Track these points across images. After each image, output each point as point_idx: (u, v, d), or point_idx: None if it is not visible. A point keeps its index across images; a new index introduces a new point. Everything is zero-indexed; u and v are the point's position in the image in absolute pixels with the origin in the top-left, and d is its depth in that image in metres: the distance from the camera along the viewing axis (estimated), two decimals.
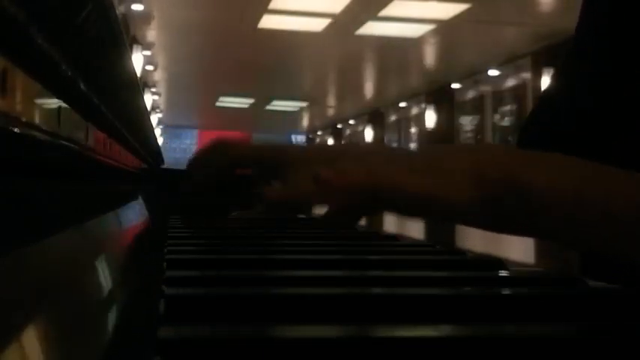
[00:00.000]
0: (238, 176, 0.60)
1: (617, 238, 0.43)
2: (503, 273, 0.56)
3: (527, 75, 8.00)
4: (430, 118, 10.39)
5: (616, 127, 0.64)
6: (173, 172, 1.97)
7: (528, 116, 0.77)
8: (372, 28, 7.16)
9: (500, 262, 0.59)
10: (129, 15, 6.50)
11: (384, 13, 6.60)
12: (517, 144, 0.70)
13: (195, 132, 18.11)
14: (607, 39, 0.68)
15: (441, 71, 9.31)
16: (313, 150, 0.56)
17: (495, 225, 0.46)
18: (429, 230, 9.41)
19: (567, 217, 0.44)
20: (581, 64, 0.73)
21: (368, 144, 0.61)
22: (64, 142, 0.48)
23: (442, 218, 0.47)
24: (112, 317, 0.30)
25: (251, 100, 12.88)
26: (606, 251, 0.44)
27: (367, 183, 0.46)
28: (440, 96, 10.14)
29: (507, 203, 0.45)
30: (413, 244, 0.86)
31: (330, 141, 15.04)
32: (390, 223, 10.49)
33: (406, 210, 0.47)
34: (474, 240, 7.78)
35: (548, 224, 0.44)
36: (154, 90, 10.89)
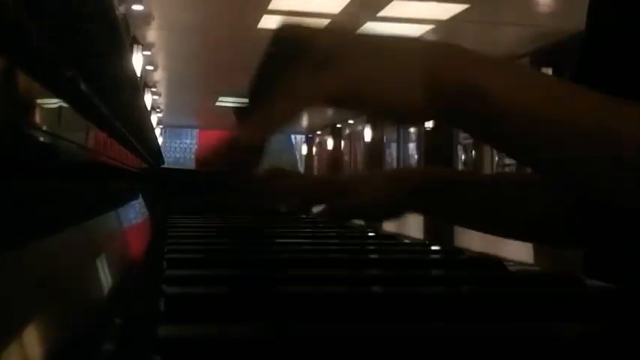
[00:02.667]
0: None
1: (570, 162, 0.43)
2: (502, 273, 0.56)
3: None
4: None
5: None
6: (173, 172, 1.97)
7: None
8: (371, 29, 7.15)
9: (499, 262, 0.59)
10: (129, 15, 6.50)
11: (383, 13, 6.60)
12: None
13: (195, 132, 18.10)
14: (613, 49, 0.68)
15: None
16: None
17: (448, 119, 0.46)
18: (428, 229, 9.40)
19: (520, 132, 0.44)
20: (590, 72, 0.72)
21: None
22: (64, 142, 0.48)
23: (396, 119, 0.47)
24: (111, 317, 0.30)
25: None
26: (548, 170, 0.45)
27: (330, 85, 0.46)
28: None
29: (460, 107, 0.45)
30: (412, 244, 0.86)
31: (330, 141, 15.03)
32: (390, 222, 10.46)
33: (360, 108, 0.47)
34: (474, 240, 7.76)
35: (499, 132, 0.44)
36: (154, 90, 10.88)
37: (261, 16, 6.92)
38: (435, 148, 9.57)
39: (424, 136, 10.32)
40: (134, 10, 6.46)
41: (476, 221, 0.69)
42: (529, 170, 0.52)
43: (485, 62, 0.48)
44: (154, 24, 7.32)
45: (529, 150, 0.45)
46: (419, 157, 10.74)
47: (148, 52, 8.18)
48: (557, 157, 0.44)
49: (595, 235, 0.60)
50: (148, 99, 9.41)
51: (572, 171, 0.44)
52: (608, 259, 0.65)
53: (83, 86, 0.52)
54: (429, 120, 0.48)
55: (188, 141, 18.11)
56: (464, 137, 9.48)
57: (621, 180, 0.43)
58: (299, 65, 0.48)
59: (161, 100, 13.02)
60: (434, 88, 0.45)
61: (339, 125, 14.87)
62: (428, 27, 7.05)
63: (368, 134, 12.58)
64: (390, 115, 0.48)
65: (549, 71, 7.32)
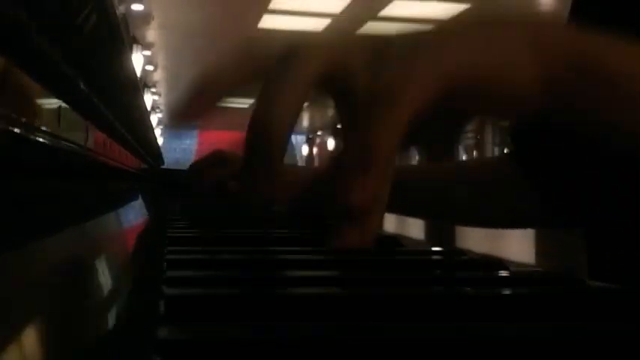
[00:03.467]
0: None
1: None
2: (502, 273, 0.56)
3: None
4: None
5: None
6: (173, 173, 1.97)
7: None
8: (371, 29, 7.16)
9: (499, 262, 0.59)
10: (129, 15, 6.50)
11: (384, 13, 6.60)
12: None
13: (196, 132, 18.10)
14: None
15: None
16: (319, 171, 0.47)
17: (552, 112, 0.39)
18: (429, 230, 9.40)
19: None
20: None
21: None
22: (64, 142, 0.48)
23: (501, 108, 0.40)
24: (111, 317, 0.30)
25: (251, 100, 12.88)
26: None
27: (431, 81, 0.36)
28: None
29: (576, 85, 0.39)
30: (412, 244, 0.86)
31: (331, 141, 15.04)
32: (390, 223, 10.48)
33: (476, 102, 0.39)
34: (475, 240, 7.78)
35: (622, 112, 0.38)
36: (153, 90, 10.89)
37: (261, 16, 6.92)
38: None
39: None
40: (134, 10, 6.46)
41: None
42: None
43: (595, 37, 0.40)
44: (154, 24, 7.32)
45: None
46: (420, 157, 10.74)
47: (148, 52, 8.19)
48: None
49: (601, 237, 0.59)
50: (148, 99, 9.41)
51: None
52: (614, 260, 0.65)
53: (83, 86, 0.52)
54: (536, 107, 0.40)
55: (188, 141, 18.12)
56: (464, 136, 9.47)
57: None
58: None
59: (161, 100, 13.02)
60: (549, 66, 0.39)
61: (339, 125, 14.84)
62: (428, 27, 7.06)
63: None
64: (504, 104, 0.39)
65: None
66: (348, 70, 0.40)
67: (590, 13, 0.69)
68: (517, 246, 6.88)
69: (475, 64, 0.39)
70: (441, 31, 0.41)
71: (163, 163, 2.42)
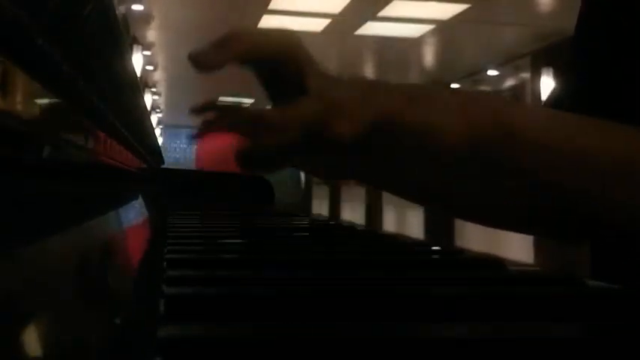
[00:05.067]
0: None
1: (602, 194, 0.44)
2: (502, 273, 0.56)
3: (526, 75, 8.00)
4: None
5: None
6: (173, 172, 1.97)
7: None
8: (371, 29, 7.16)
9: (499, 262, 0.59)
10: (129, 15, 6.50)
11: (383, 13, 6.60)
12: None
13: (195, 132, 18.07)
14: (606, 37, 0.68)
15: (440, 71, 9.31)
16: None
17: (480, 169, 0.46)
18: (428, 230, 9.40)
19: (553, 162, 0.44)
20: (580, 64, 0.72)
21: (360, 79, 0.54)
22: (64, 142, 0.48)
23: (431, 157, 0.46)
24: (112, 317, 0.30)
25: (251, 100, 12.88)
26: (580, 201, 0.45)
27: (368, 113, 0.45)
28: None
29: (494, 143, 0.45)
30: (412, 244, 0.86)
31: None
32: (390, 222, 10.48)
33: (399, 144, 0.46)
34: (474, 240, 7.77)
35: (533, 166, 0.45)
36: (154, 90, 10.89)
37: (261, 16, 6.92)
38: None
39: None
40: (134, 10, 6.46)
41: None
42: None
43: (516, 104, 0.48)
44: (154, 24, 7.32)
45: (553, 185, 0.45)
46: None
47: (148, 52, 8.19)
48: (581, 188, 0.45)
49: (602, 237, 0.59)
50: (148, 99, 9.41)
51: (593, 200, 0.45)
52: (617, 261, 0.65)
53: (83, 86, 0.52)
54: (460, 163, 0.47)
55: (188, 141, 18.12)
56: None
57: None
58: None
59: (161, 100, 13.03)
60: (471, 124, 0.45)
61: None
62: (428, 27, 7.05)
63: None
64: (429, 146, 0.46)
65: (549, 71, 7.32)
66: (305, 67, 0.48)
67: (595, 27, 0.70)
68: (517, 246, 6.88)
69: (409, 113, 0.46)
70: (393, 88, 0.48)
71: (163, 163, 2.42)
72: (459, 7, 6.34)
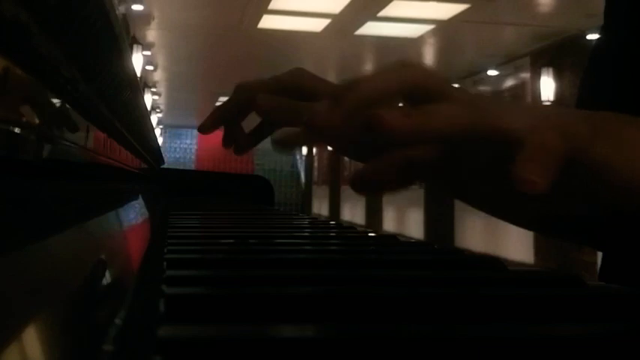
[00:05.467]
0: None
1: None
2: (502, 273, 0.56)
3: (526, 75, 8.01)
4: None
5: None
6: (173, 172, 1.97)
7: None
8: (371, 29, 7.16)
9: (499, 262, 0.59)
10: (129, 15, 6.50)
11: (383, 13, 6.60)
12: None
13: (196, 132, 18.08)
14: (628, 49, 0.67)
15: (440, 71, 9.30)
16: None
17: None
18: (428, 230, 9.40)
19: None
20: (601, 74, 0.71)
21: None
22: (64, 142, 0.48)
23: (619, 195, 0.41)
24: (111, 317, 0.30)
25: None
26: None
27: (565, 151, 0.39)
28: None
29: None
30: (412, 244, 0.86)
31: None
32: (390, 222, 10.48)
33: (592, 184, 0.41)
34: (474, 240, 7.77)
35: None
36: (154, 90, 10.89)
37: (261, 16, 6.92)
38: None
39: None
40: (134, 10, 6.47)
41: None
42: None
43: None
44: (154, 24, 7.32)
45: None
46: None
47: (148, 52, 8.19)
48: None
49: (614, 239, 0.59)
50: (148, 99, 9.41)
51: None
52: (627, 263, 0.65)
53: (83, 86, 0.52)
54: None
55: (188, 141, 18.11)
56: None
57: None
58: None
59: (161, 100, 13.03)
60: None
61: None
62: (428, 27, 7.05)
63: None
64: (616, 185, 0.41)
65: (549, 71, 7.32)
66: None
67: (619, 31, 0.69)
68: (517, 246, 6.88)
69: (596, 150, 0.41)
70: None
71: (163, 163, 2.42)
72: (459, 7, 6.34)
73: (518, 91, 8.21)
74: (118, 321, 0.30)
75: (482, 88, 9.04)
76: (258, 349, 0.29)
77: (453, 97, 0.42)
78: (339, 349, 0.29)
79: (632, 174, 0.41)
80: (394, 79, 0.42)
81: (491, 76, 8.66)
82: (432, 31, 7.20)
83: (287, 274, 0.50)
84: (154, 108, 11.70)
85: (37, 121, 0.39)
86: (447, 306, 0.39)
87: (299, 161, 17.40)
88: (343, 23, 7.00)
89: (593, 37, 6.56)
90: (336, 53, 8.57)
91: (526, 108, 0.43)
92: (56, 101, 0.44)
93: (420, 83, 0.42)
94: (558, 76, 7.28)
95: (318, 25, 7.19)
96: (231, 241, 0.79)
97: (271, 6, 6.57)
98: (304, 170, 17.17)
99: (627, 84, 0.66)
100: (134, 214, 0.78)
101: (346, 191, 13.31)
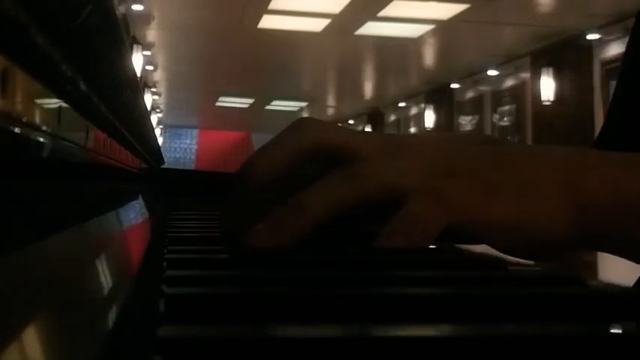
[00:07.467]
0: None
1: None
2: (502, 273, 0.56)
3: (526, 75, 8.01)
4: (429, 118, 10.40)
5: None
6: (173, 172, 1.97)
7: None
8: (371, 29, 7.16)
9: (500, 262, 0.59)
10: (129, 15, 6.51)
11: (383, 13, 6.60)
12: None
13: (196, 132, 18.08)
14: None
15: (440, 71, 9.31)
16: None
17: (591, 242, 0.40)
18: None
19: None
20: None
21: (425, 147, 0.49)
22: (64, 142, 0.48)
23: (533, 249, 0.39)
24: (111, 317, 0.30)
25: (251, 100, 12.87)
26: None
27: (442, 221, 0.40)
28: (439, 96, 10.14)
29: (611, 214, 0.38)
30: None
31: None
32: None
33: (489, 242, 0.41)
34: None
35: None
36: (154, 90, 10.89)
37: (261, 16, 6.92)
38: None
39: None
40: (134, 10, 6.47)
41: None
42: None
43: (627, 163, 0.39)
44: (154, 24, 7.33)
45: None
46: None
47: (148, 52, 8.19)
48: None
49: None
50: (148, 99, 9.41)
51: None
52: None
53: (83, 86, 0.52)
54: (572, 250, 0.40)
55: (188, 141, 18.11)
56: None
57: None
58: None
59: (161, 100, 13.03)
60: (581, 208, 0.38)
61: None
62: (428, 27, 7.05)
63: None
64: (524, 249, 0.40)
65: (549, 71, 7.32)
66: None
67: None
68: None
69: (503, 213, 0.40)
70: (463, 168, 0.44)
71: (164, 163, 2.42)
72: (459, 7, 6.34)
73: (518, 91, 8.21)
74: (117, 321, 0.30)
75: (483, 88, 9.04)
76: (258, 349, 0.29)
77: (355, 152, 0.44)
78: (339, 349, 0.29)
79: None
80: (293, 150, 0.45)
81: (491, 76, 8.66)
82: (432, 31, 7.20)
83: (287, 274, 0.50)
84: (154, 108, 11.70)
85: (37, 121, 0.39)
86: (447, 306, 0.39)
87: None
88: (343, 23, 7.00)
89: (593, 37, 6.55)
90: (336, 53, 8.57)
91: (419, 160, 0.43)
92: (56, 101, 0.44)
93: (322, 144, 0.45)
94: (558, 76, 7.28)
95: (318, 25, 7.19)
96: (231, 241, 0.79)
97: (271, 6, 6.57)
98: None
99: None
100: (134, 214, 0.78)
101: None
